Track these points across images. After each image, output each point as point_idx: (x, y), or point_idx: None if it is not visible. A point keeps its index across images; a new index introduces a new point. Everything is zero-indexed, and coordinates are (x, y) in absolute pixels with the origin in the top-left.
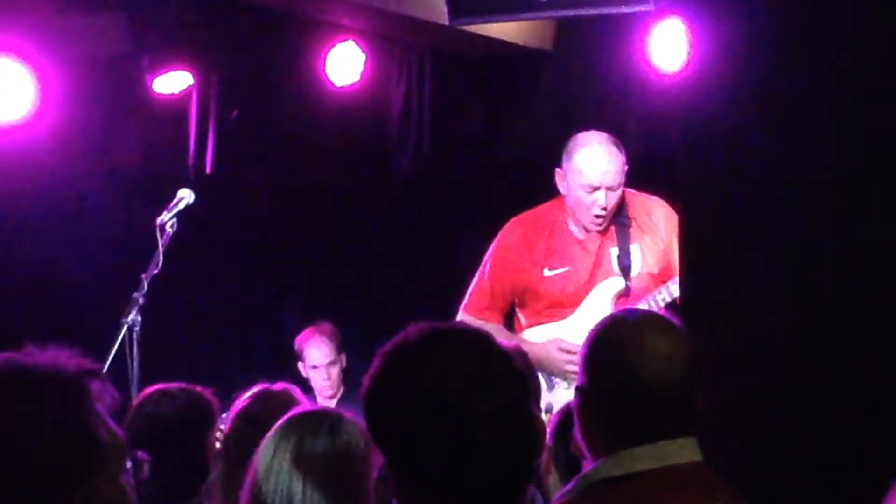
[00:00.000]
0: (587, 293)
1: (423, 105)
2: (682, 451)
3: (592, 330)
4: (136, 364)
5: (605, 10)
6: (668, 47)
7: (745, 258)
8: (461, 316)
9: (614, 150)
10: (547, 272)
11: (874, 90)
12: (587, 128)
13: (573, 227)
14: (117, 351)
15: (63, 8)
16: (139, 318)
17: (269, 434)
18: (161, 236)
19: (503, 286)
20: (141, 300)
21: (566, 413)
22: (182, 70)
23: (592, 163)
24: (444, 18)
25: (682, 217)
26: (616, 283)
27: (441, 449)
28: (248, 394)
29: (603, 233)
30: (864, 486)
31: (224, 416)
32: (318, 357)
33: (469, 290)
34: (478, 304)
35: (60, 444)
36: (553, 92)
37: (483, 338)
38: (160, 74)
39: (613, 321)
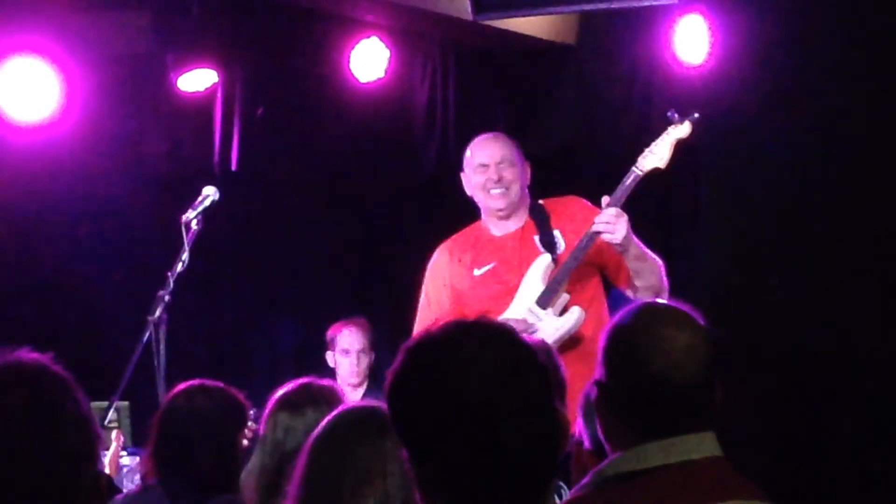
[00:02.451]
0: (520, 280)
1: (447, 100)
2: (699, 446)
3: (611, 323)
4: (162, 361)
5: (629, 4)
6: (693, 41)
7: (767, 248)
8: None
9: (501, 135)
10: (476, 272)
11: (894, 84)
12: (612, 121)
13: (493, 230)
14: (143, 348)
15: (87, 6)
16: (165, 316)
17: (316, 431)
18: (186, 234)
19: (443, 302)
20: (167, 298)
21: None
22: (207, 68)
23: (480, 145)
24: (467, 14)
25: (704, 207)
26: (543, 260)
27: (463, 443)
28: (293, 384)
29: (520, 223)
30: (888, 480)
31: (252, 412)
32: (350, 342)
33: (416, 324)
34: None
35: (74, 434)
36: (577, 86)
37: (506, 332)
38: (185, 72)
39: (631, 314)
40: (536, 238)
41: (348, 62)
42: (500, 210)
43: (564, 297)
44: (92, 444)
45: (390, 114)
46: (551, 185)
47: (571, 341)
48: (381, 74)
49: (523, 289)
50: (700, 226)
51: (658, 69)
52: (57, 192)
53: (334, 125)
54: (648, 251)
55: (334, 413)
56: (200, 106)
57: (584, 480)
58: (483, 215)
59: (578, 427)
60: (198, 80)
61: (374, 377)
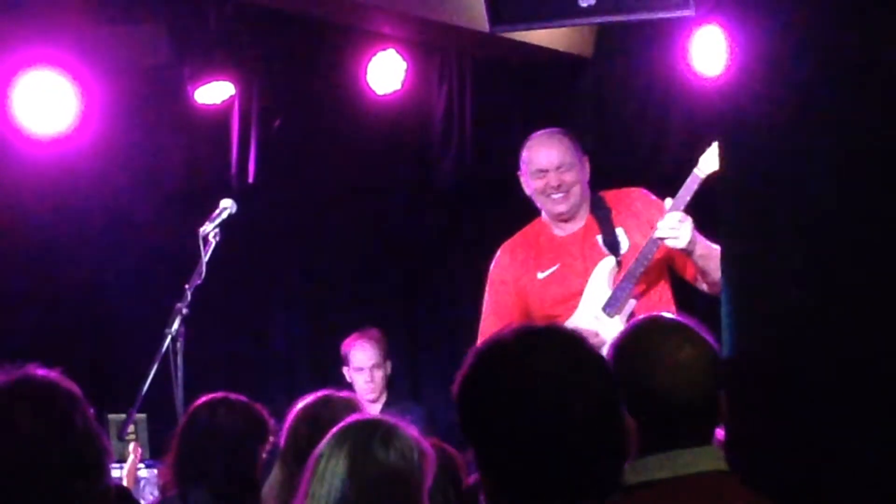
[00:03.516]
0: (584, 283)
1: (464, 112)
2: (700, 460)
3: (616, 338)
4: (179, 374)
5: (646, 16)
6: (710, 52)
7: (787, 263)
8: None
9: (558, 135)
10: (540, 275)
11: None
12: (629, 133)
13: (555, 230)
14: (161, 361)
15: (104, 19)
16: (183, 328)
17: (324, 441)
18: (204, 246)
19: (507, 306)
20: (184, 310)
21: None
22: (223, 80)
23: (536, 149)
24: (484, 26)
25: (722, 220)
26: (607, 263)
27: (531, 447)
28: (313, 396)
29: (582, 222)
30: None
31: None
32: (362, 359)
33: (480, 329)
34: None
35: (83, 448)
36: (594, 98)
37: (576, 339)
38: (202, 84)
39: (636, 329)
40: (599, 238)
41: (365, 74)
42: (562, 214)
43: (631, 304)
44: (101, 459)
45: (407, 126)
46: None
47: None
48: (398, 86)
49: (588, 293)
50: (718, 239)
51: (675, 81)
52: (74, 204)
53: (351, 137)
54: (714, 246)
55: (339, 426)
56: (217, 118)
57: None
58: (543, 215)
59: None
60: (215, 92)
61: (390, 387)
